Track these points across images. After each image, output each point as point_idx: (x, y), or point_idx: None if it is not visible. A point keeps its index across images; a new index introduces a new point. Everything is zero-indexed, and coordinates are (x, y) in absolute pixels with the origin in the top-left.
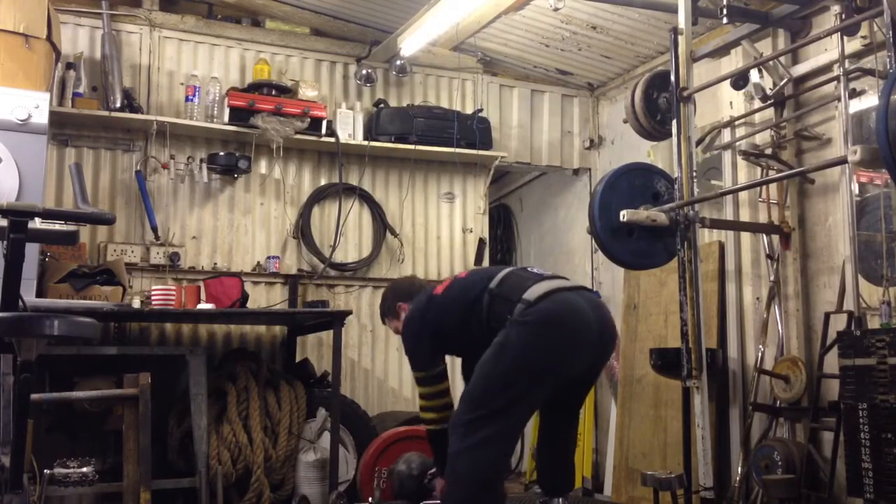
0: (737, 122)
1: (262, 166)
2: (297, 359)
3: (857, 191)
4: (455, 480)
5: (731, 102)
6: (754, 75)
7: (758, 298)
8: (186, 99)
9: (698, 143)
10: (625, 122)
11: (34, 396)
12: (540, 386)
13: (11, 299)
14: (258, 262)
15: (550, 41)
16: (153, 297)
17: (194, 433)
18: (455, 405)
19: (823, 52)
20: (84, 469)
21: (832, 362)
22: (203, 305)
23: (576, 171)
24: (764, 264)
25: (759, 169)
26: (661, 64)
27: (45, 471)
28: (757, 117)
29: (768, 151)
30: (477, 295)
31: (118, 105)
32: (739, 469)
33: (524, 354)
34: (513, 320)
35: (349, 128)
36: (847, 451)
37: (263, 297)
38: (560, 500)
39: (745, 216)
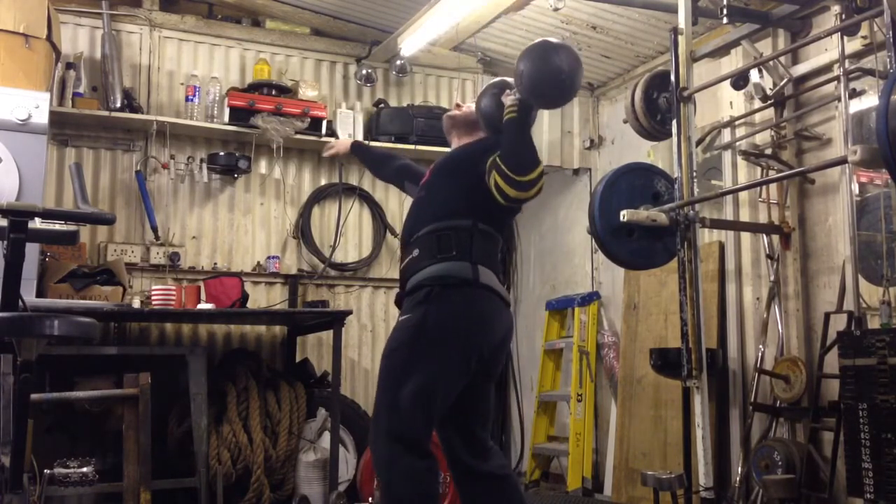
0: (737, 122)
1: (262, 166)
2: (297, 359)
3: (857, 191)
4: None
5: (731, 102)
6: (754, 75)
7: (758, 298)
8: (186, 99)
9: (698, 143)
10: (625, 122)
11: (34, 396)
12: None
13: (11, 299)
14: (258, 262)
15: None
16: (153, 297)
17: (194, 433)
18: None
19: (823, 52)
20: (84, 469)
21: (832, 362)
22: (203, 305)
23: (576, 171)
24: (764, 264)
25: (759, 169)
26: (661, 64)
27: (45, 471)
28: (757, 117)
29: (768, 151)
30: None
31: (118, 105)
32: (739, 469)
33: None
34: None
35: (349, 128)
36: (847, 451)
37: (263, 297)
38: None
39: (745, 216)
